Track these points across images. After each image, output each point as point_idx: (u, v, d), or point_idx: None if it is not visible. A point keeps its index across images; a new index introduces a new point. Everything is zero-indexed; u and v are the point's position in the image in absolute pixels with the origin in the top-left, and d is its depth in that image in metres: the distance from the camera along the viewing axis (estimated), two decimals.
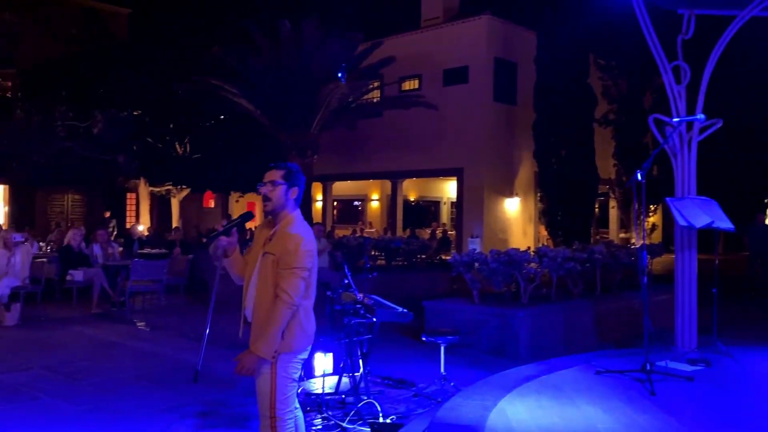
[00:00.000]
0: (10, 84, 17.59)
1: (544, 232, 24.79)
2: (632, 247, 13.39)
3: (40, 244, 17.11)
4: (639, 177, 6.52)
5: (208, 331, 4.64)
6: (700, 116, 7.34)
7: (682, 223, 7.18)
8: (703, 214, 7.18)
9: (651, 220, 29.07)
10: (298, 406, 4.29)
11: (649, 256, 11.79)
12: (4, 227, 18.08)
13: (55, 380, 7.66)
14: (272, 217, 4.13)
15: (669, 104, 8.11)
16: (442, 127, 23.76)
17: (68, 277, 12.68)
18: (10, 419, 6.23)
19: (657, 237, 28.90)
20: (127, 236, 19.09)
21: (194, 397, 7.00)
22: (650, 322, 6.61)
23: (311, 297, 4.08)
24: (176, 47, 23.41)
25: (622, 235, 28.98)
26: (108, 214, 25.57)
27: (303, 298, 3.98)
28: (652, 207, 27.95)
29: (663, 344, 7.81)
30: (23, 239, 13.12)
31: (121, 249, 15.23)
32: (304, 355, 4.11)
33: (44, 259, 13.46)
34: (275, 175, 4.09)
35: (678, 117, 7.80)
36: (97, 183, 22.62)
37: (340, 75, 18.55)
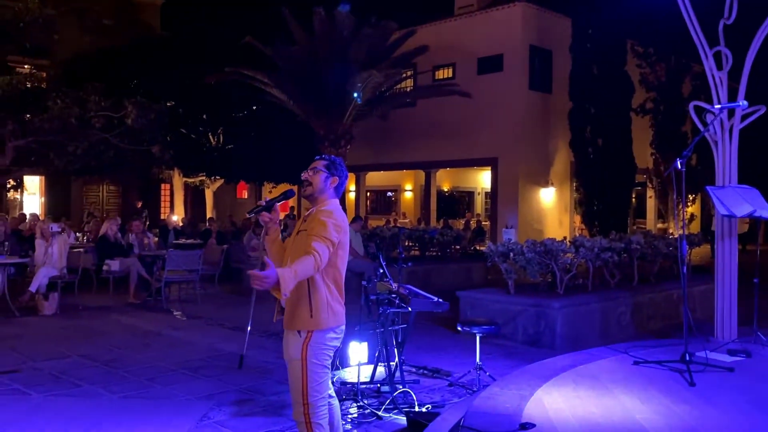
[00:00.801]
0: (45, 75, 17.77)
1: (579, 223, 24.59)
2: (670, 237, 13.20)
3: (77, 234, 17.31)
4: (679, 165, 6.40)
5: (251, 318, 4.68)
6: (743, 103, 7.19)
7: (723, 212, 7.05)
8: (745, 203, 7.04)
9: (689, 210, 28.67)
10: (333, 394, 4.30)
11: (687, 246, 11.63)
12: (40, 217, 18.33)
13: (94, 368, 7.75)
14: (311, 202, 4.24)
15: (709, 91, 7.97)
16: (476, 116, 23.59)
17: (105, 267, 12.81)
18: (54, 406, 6.30)
19: (695, 227, 28.51)
20: (162, 226, 19.26)
21: (230, 385, 7.05)
22: (689, 312, 6.50)
23: (336, 279, 4.11)
24: (208, 37, 23.51)
25: (659, 225, 28.63)
26: (140, 205, 25.79)
27: (331, 279, 4.05)
28: (690, 197, 27.55)
29: (702, 335, 7.70)
30: (60, 229, 13.27)
31: (156, 239, 15.35)
32: (336, 343, 4.12)
33: (81, 249, 13.60)
34: (318, 163, 4.27)
35: (719, 104, 7.66)
36: (131, 174, 22.86)
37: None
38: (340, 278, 4.13)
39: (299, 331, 4.01)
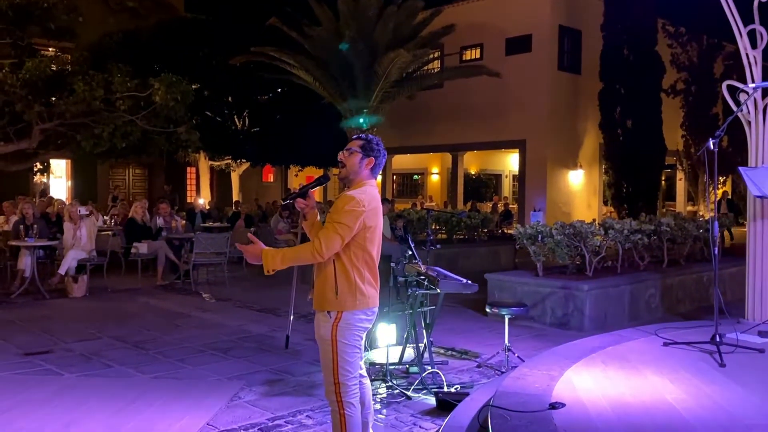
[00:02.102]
0: (69, 57, 17.79)
1: (607, 207, 24.40)
2: (700, 219, 13.07)
3: (105, 217, 17.44)
4: (711, 145, 6.31)
5: (293, 299, 4.72)
6: None
7: (756, 192, 6.96)
8: None
9: (720, 192, 28.32)
10: (365, 374, 4.31)
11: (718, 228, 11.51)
12: (67, 201, 18.50)
13: (125, 349, 7.82)
14: (345, 184, 4.19)
15: (742, 71, 7.85)
16: (504, 97, 23.39)
17: (133, 250, 12.90)
18: (86, 386, 6.37)
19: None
20: (189, 210, 19.36)
21: (260, 365, 7.09)
22: (720, 293, 6.44)
23: (368, 261, 4.07)
24: (232, 19, 23.46)
25: (689, 208, 28.33)
26: (169, 189, 25.86)
27: (361, 262, 4.02)
28: (721, 179, 27.20)
29: (732, 317, 7.63)
30: (88, 212, 13.37)
31: (183, 222, 15.43)
32: (367, 324, 4.11)
33: (109, 232, 13.71)
34: (353, 144, 4.21)
35: (753, 83, 7.53)
36: (158, 157, 22.94)
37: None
38: (371, 261, 4.09)
39: (329, 312, 4.01)
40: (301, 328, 8.63)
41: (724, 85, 8.01)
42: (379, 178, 28.83)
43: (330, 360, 4.00)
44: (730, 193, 29.88)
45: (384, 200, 14.36)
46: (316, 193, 27.81)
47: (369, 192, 4.08)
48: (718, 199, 27.30)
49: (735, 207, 24.93)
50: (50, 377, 6.66)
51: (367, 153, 4.16)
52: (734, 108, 7.49)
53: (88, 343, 8.10)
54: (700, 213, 25.47)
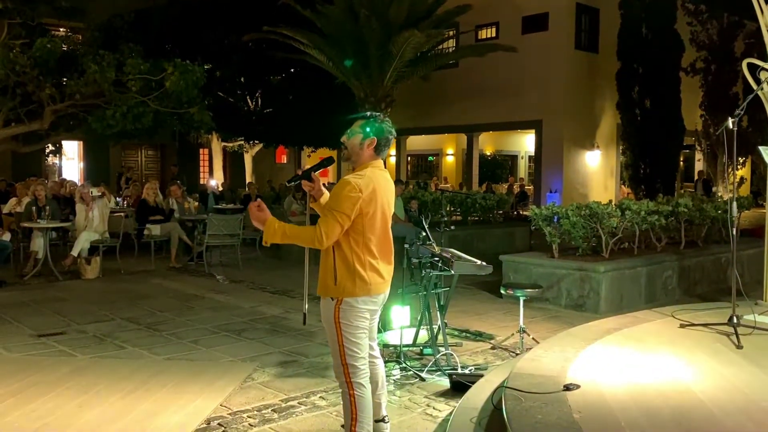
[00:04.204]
0: (81, 37, 17.63)
1: (625, 189, 24.18)
2: (719, 200, 12.92)
3: (117, 199, 17.45)
4: (730, 124, 6.18)
5: (307, 276, 4.70)
6: None
7: None
8: None
9: (739, 173, 28.02)
10: (378, 355, 4.26)
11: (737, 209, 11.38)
12: (79, 182, 18.50)
13: (138, 331, 7.82)
14: (352, 166, 4.13)
15: (763, 49, 7.69)
16: (519, 77, 23.16)
17: (146, 232, 12.90)
18: (99, 367, 6.38)
19: (745, 191, 27.91)
20: (202, 191, 19.32)
21: (274, 347, 7.08)
22: (738, 275, 6.34)
23: (370, 247, 3.99)
24: None
25: None
26: (175, 169, 25.74)
27: (362, 248, 3.94)
28: (740, 159, 26.89)
29: (750, 299, 7.52)
30: (100, 193, 13.36)
31: (196, 204, 15.42)
32: (372, 306, 4.05)
33: (122, 214, 13.71)
34: (355, 125, 4.13)
35: None
36: (170, 138, 22.87)
37: (367, 130, 18.32)
38: (374, 246, 4.00)
39: (331, 297, 3.98)
40: (315, 309, 8.58)
41: (744, 63, 7.87)
42: (393, 159, 28.75)
43: (336, 342, 3.98)
44: (749, 173, 29.58)
45: (398, 181, 14.30)
46: (329, 172, 27.72)
47: (368, 175, 3.98)
48: (696, 179, 27.08)
49: (710, 189, 24.78)
50: (63, 358, 6.67)
51: (367, 133, 4.06)
52: (754, 87, 7.35)
53: (101, 324, 8.11)
54: (719, 194, 25.24)
